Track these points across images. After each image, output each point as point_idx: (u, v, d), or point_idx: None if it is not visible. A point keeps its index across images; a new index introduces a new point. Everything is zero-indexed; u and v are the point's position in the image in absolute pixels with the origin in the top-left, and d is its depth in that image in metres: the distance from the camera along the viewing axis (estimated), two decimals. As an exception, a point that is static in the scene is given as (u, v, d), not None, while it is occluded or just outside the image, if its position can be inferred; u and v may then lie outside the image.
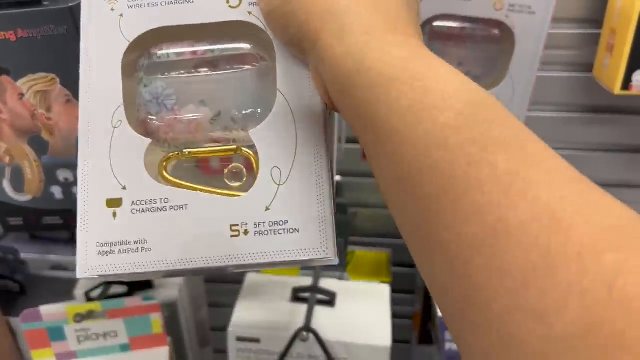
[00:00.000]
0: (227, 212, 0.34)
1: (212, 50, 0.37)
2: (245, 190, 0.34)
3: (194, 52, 0.37)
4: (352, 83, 0.26)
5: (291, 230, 0.34)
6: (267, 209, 0.34)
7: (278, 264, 0.34)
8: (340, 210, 0.84)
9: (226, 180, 0.37)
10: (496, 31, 0.57)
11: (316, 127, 0.34)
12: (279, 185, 0.34)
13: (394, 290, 0.89)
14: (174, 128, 0.37)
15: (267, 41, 0.35)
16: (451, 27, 0.58)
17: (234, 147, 0.36)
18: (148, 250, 0.34)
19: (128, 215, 0.34)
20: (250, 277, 0.71)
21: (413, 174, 0.23)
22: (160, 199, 0.34)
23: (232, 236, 0.34)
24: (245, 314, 0.64)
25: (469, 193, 0.21)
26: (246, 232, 0.34)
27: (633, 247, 0.18)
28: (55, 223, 0.58)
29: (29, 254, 0.74)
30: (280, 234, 0.34)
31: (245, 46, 0.37)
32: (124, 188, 0.35)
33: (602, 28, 0.67)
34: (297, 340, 0.61)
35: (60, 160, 0.55)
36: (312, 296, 0.65)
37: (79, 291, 0.67)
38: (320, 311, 0.65)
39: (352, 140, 0.73)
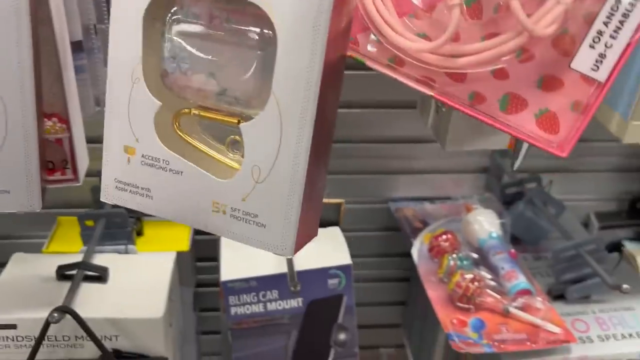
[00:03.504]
0: (213, 189, 0.39)
1: (228, 21, 0.38)
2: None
3: (211, 18, 0.38)
4: None
5: (259, 224, 0.39)
6: (244, 199, 0.39)
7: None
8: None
9: (226, 149, 0.42)
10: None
11: (302, 135, 0.36)
12: (257, 182, 0.38)
13: (198, 259, 0.87)
14: (185, 91, 0.40)
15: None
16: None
17: (237, 119, 0.39)
18: (150, 198, 0.41)
19: (139, 165, 0.41)
20: (17, 256, 0.65)
21: None
22: (163, 160, 0.40)
23: (213, 211, 0.40)
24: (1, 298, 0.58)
25: None
26: (224, 212, 0.39)
27: None
28: None
29: None
30: (250, 224, 0.39)
31: (256, 30, 0.37)
32: (137, 140, 0.40)
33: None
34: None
35: None
36: (79, 273, 0.60)
37: None
38: (89, 288, 0.61)
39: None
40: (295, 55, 0.35)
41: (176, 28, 0.39)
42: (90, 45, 0.53)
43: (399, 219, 0.83)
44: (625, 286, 0.64)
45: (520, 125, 0.41)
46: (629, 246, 0.84)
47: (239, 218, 0.39)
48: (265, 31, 0.37)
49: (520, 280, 0.67)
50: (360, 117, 0.80)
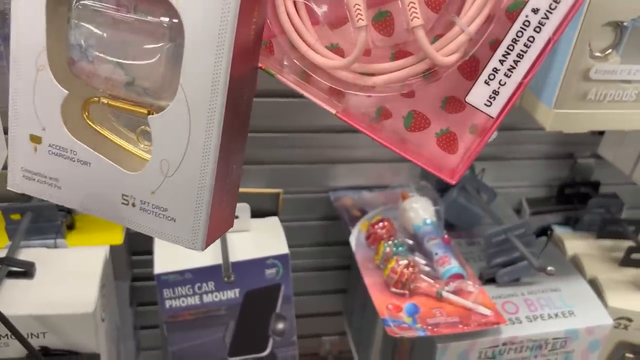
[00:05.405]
0: (122, 182, 0.38)
1: (135, 10, 0.37)
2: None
3: (119, 6, 0.37)
4: None
5: (169, 218, 0.38)
6: (153, 193, 0.38)
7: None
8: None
9: (137, 140, 0.40)
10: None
11: (211, 131, 0.35)
12: (166, 176, 0.37)
13: (134, 252, 0.85)
14: (93, 80, 0.38)
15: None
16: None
17: (147, 109, 0.38)
18: (59, 188, 0.40)
19: (46, 154, 0.39)
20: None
21: None
22: (70, 150, 0.39)
23: (122, 203, 0.39)
24: None
25: None
26: (134, 205, 0.39)
27: None
28: None
29: None
30: (160, 217, 0.38)
31: (165, 19, 0.36)
32: (44, 129, 0.39)
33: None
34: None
35: None
36: (2, 269, 0.58)
37: None
38: (15, 285, 0.58)
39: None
40: (201, 50, 0.34)
41: (82, 14, 0.37)
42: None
43: (338, 208, 0.84)
44: (550, 268, 0.66)
45: (421, 143, 0.42)
46: (558, 230, 0.87)
47: (149, 211, 0.38)
48: (175, 21, 0.35)
49: (452, 265, 0.69)
50: (299, 107, 0.79)
